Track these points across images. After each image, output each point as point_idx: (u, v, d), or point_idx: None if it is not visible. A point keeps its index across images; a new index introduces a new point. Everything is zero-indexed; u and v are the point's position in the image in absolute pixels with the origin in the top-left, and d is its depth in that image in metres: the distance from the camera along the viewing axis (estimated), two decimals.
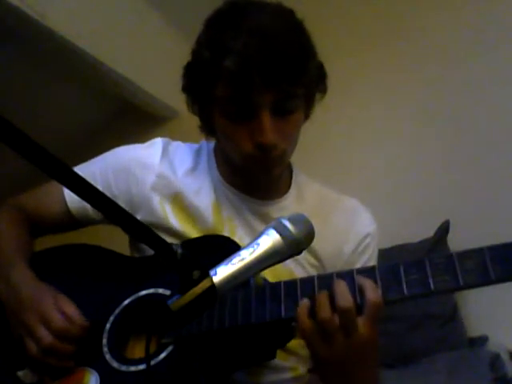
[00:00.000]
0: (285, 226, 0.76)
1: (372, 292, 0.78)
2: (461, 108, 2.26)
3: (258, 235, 0.76)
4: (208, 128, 1.04)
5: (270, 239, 0.74)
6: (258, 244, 0.74)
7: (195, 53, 0.98)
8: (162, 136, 1.15)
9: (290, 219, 0.77)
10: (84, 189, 0.59)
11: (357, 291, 0.79)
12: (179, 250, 0.67)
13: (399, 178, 2.32)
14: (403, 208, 2.22)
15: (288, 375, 1.02)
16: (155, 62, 2.76)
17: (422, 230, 2.10)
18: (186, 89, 1.02)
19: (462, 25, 2.33)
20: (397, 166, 2.35)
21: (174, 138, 1.18)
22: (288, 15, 0.96)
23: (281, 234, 0.75)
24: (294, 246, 0.76)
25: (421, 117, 2.35)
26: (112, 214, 0.62)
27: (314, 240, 1.00)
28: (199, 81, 0.97)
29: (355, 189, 1.17)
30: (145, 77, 2.70)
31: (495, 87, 2.20)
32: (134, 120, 3.04)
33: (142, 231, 0.66)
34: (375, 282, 0.80)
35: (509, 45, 2.21)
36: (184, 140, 1.18)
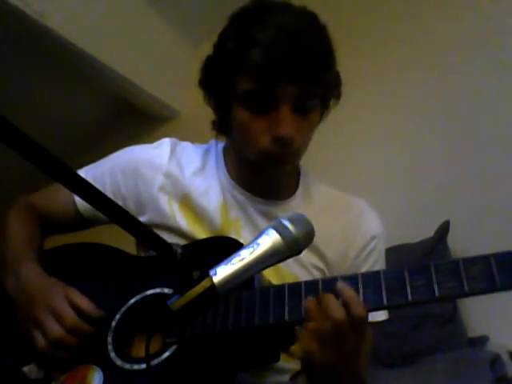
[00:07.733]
0: (284, 226, 0.76)
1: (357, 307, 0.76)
2: (461, 108, 2.26)
3: (258, 235, 0.76)
4: (222, 123, 1.04)
5: (269, 239, 0.74)
6: (258, 244, 0.74)
7: (218, 46, 0.99)
8: (161, 136, 1.15)
9: (289, 219, 0.77)
10: (83, 188, 0.59)
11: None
12: (179, 250, 0.67)
13: (399, 178, 2.31)
14: (403, 208, 2.22)
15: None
16: (155, 61, 2.76)
17: (422, 230, 2.09)
18: (204, 82, 1.03)
19: (463, 27, 2.33)
20: (397, 167, 2.35)
21: (174, 138, 1.17)
22: (313, 17, 0.98)
23: (280, 234, 0.75)
24: (294, 245, 0.75)
25: (421, 117, 2.35)
26: (111, 213, 0.62)
27: (321, 241, 0.98)
28: (221, 73, 0.97)
29: (355, 189, 1.17)
30: (145, 77, 2.70)
31: (495, 88, 2.20)
32: (134, 120, 3.04)
33: (142, 231, 0.66)
34: (379, 286, 0.78)
35: (510, 46, 2.21)
36: (184, 140, 1.18)
